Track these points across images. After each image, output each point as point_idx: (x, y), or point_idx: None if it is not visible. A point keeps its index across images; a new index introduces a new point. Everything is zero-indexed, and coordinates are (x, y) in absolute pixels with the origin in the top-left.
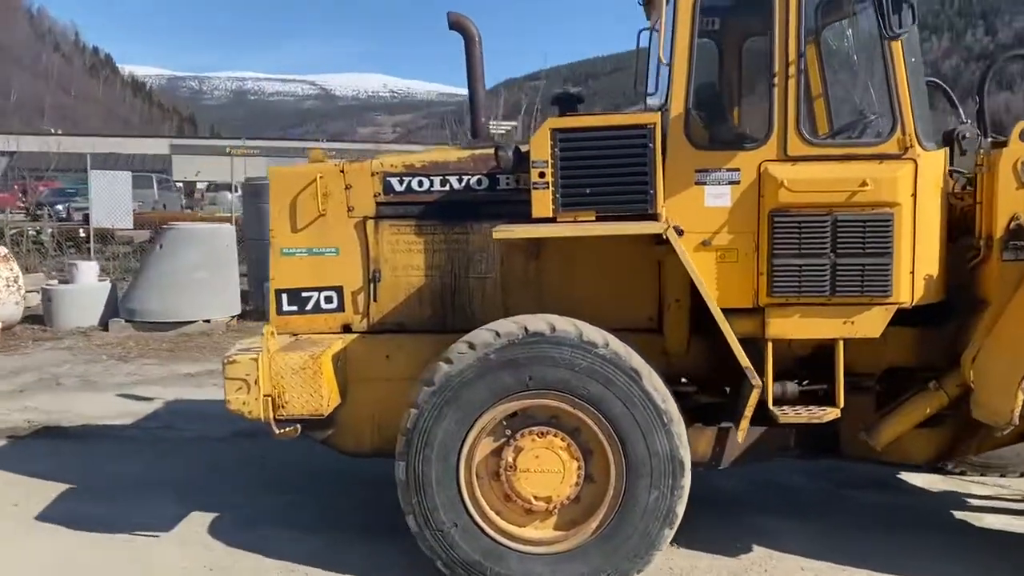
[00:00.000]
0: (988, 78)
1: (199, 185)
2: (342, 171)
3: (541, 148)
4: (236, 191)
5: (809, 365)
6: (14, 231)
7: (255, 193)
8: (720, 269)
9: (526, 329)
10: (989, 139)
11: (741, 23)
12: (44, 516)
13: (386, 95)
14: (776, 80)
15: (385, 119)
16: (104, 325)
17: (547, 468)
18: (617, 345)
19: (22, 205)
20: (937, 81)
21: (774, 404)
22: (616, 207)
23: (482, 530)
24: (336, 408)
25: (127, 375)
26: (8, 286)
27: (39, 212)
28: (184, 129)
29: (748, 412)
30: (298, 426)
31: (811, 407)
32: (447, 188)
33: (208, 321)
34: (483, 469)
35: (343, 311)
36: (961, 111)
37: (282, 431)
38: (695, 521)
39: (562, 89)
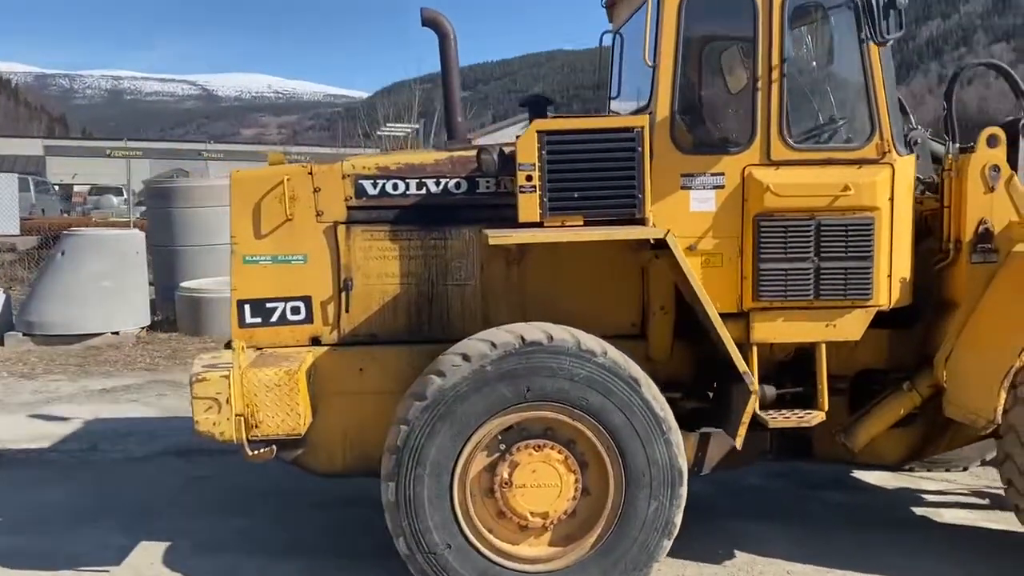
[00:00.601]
0: (955, 86)
1: (77, 188)
2: (310, 173)
3: (528, 151)
4: (123, 194)
5: (785, 369)
6: None
7: (160, 196)
8: (705, 274)
9: (523, 339)
10: (957, 145)
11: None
12: None
13: (271, 96)
14: (760, 85)
15: (270, 120)
16: None
17: (544, 482)
18: (615, 353)
19: None
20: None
21: (760, 409)
22: (604, 211)
23: (477, 550)
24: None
25: (33, 393)
26: None
27: None
28: (55, 130)
29: (746, 418)
30: (273, 447)
31: (797, 411)
32: (424, 192)
33: (116, 333)
34: (476, 486)
35: (312, 322)
36: (912, 117)
37: (255, 453)
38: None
39: (531, 93)
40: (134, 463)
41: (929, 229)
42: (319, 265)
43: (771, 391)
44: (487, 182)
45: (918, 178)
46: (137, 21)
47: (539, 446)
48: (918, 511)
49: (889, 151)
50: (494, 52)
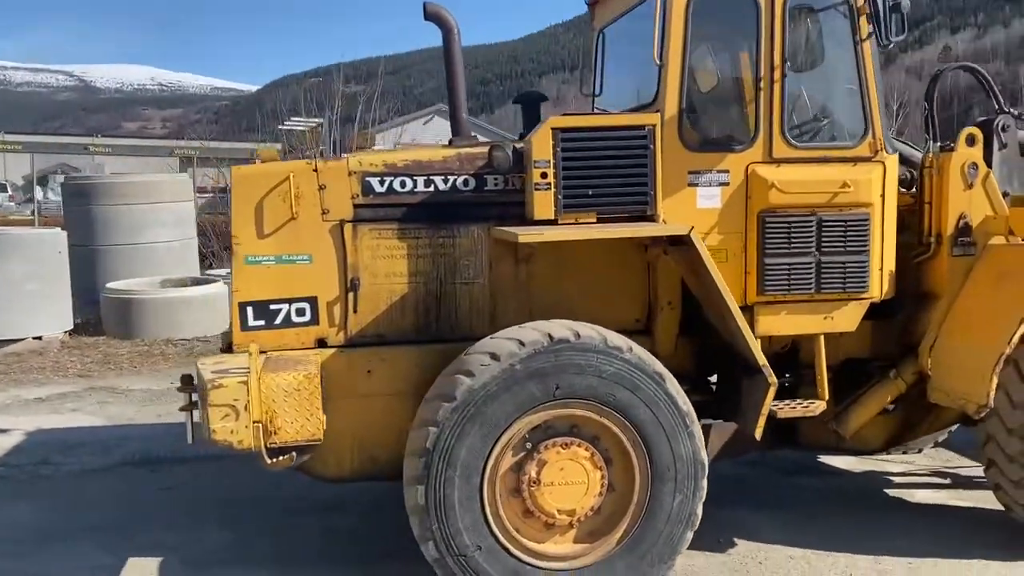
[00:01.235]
0: (935, 87)
1: None
2: (315, 170)
3: (543, 148)
4: (7, 190)
5: (778, 360)
6: None
7: (79, 193)
8: None
9: (550, 336)
10: (938, 144)
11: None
12: None
13: (154, 88)
14: (762, 85)
15: (154, 113)
16: None
17: (571, 480)
18: (639, 349)
19: None
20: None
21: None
22: (616, 208)
23: (507, 551)
24: None
25: None
26: None
27: None
28: None
29: (765, 410)
30: (294, 454)
31: (802, 401)
32: (432, 189)
33: (39, 338)
34: (503, 486)
35: (317, 324)
36: None
37: (274, 461)
38: None
39: (526, 89)
40: (93, 476)
41: (903, 224)
42: (325, 265)
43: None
44: (495, 179)
45: None
46: (7, 5)
47: (566, 444)
48: (891, 492)
49: (881, 149)
50: (389, 46)
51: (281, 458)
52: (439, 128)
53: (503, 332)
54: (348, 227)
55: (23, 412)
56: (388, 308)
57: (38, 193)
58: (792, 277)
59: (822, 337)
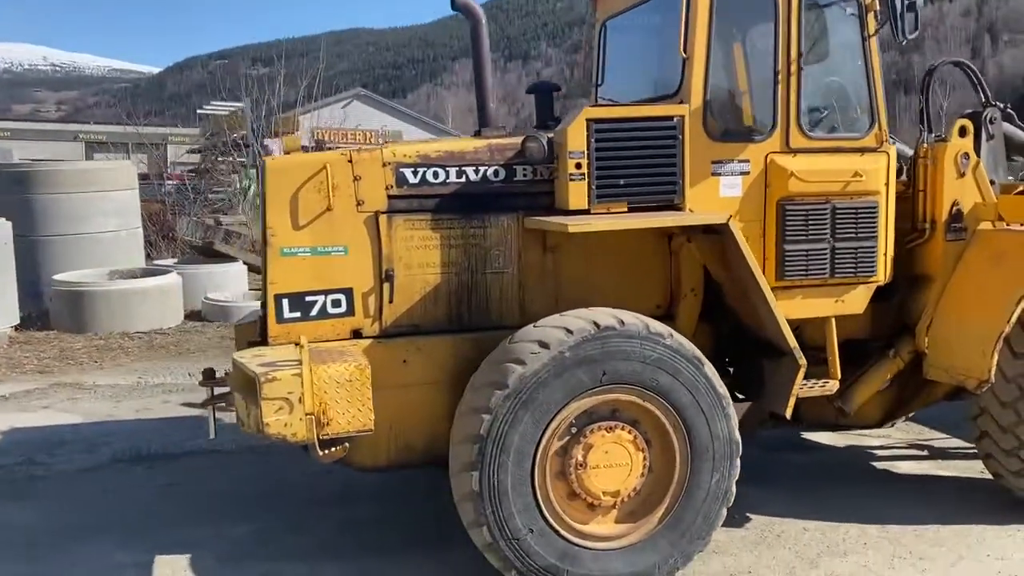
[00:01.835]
0: (930, 81)
1: None
2: (350, 161)
3: (577, 139)
4: None
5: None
6: None
7: (18, 181)
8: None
9: (596, 324)
10: (932, 135)
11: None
12: None
13: (47, 69)
14: (780, 77)
15: (47, 95)
16: None
17: (616, 462)
18: (678, 335)
19: None
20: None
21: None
22: (646, 197)
23: (557, 532)
24: None
25: None
26: None
27: None
28: None
29: (796, 389)
30: (346, 445)
31: (818, 381)
32: (463, 180)
33: None
34: (551, 470)
35: (353, 315)
36: None
37: (326, 452)
38: None
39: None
40: (88, 475)
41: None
42: (360, 256)
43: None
44: (524, 170)
45: None
46: None
47: (610, 427)
48: (877, 465)
49: (885, 140)
50: (293, 28)
51: (333, 449)
52: (360, 113)
53: (547, 321)
54: (383, 218)
55: None
56: (422, 298)
57: None
58: (810, 262)
59: (833, 319)
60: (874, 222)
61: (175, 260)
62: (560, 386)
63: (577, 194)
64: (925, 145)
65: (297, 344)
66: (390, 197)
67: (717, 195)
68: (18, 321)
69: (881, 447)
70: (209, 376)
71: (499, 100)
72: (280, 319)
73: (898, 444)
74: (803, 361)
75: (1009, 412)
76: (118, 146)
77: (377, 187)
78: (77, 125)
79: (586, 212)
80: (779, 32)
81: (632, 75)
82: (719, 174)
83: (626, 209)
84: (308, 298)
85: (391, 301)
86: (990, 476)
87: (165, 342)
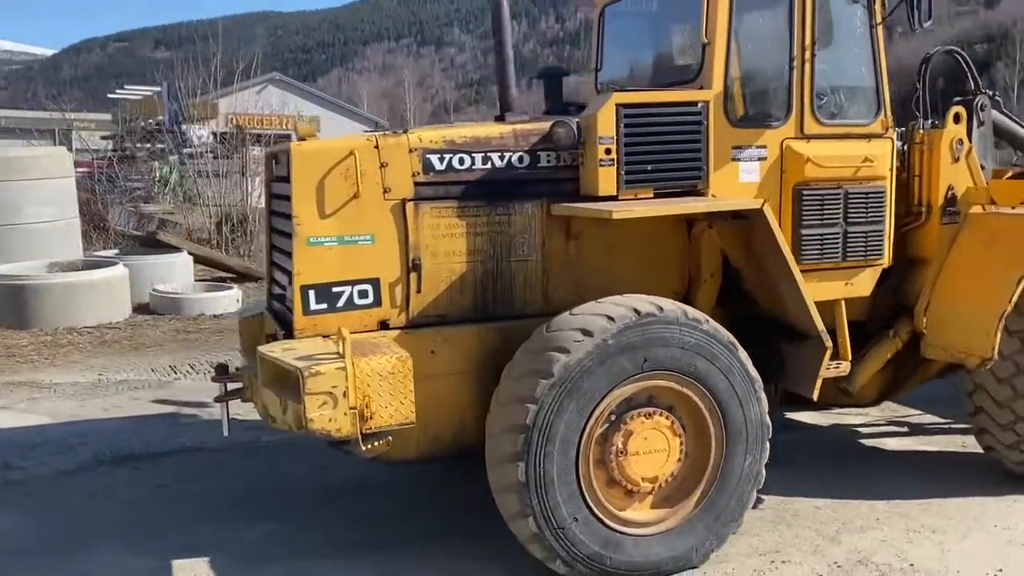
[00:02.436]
0: (927, 69)
1: None
2: (376, 147)
3: (607, 124)
4: None
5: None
6: None
7: None
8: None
9: (636, 311)
10: (929, 121)
11: None
12: None
13: None
14: (794, 63)
15: None
16: None
17: (655, 448)
18: (713, 321)
19: None
20: None
21: None
22: (672, 183)
23: (600, 520)
24: None
25: None
26: None
27: None
28: None
29: (822, 371)
30: (389, 438)
31: (832, 362)
32: (489, 166)
33: None
34: (593, 458)
35: (380, 305)
36: None
37: (369, 447)
38: None
39: (546, 64)
40: (73, 477)
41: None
42: (387, 245)
43: None
44: (548, 156)
45: None
46: None
47: (649, 414)
48: (866, 443)
49: (890, 126)
50: (197, 10)
51: (376, 443)
52: (276, 98)
53: (584, 308)
54: (410, 206)
55: None
56: (448, 288)
57: None
58: (824, 246)
59: (843, 302)
60: (882, 206)
61: (115, 251)
62: (604, 374)
63: (607, 180)
64: (921, 131)
65: (325, 337)
66: (416, 184)
67: (737, 180)
68: None
69: (863, 425)
70: (222, 371)
71: (414, 85)
72: (307, 311)
73: (878, 422)
74: (829, 343)
75: (1005, 388)
76: (18, 131)
77: (404, 174)
78: None
79: (614, 198)
80: (794, 18)
81: (628, 60)
82: (738, 159)
83: (652, 195)
84: (335, 289)
85: (419, 291)
86: (972, 450)
87: (117, 337)
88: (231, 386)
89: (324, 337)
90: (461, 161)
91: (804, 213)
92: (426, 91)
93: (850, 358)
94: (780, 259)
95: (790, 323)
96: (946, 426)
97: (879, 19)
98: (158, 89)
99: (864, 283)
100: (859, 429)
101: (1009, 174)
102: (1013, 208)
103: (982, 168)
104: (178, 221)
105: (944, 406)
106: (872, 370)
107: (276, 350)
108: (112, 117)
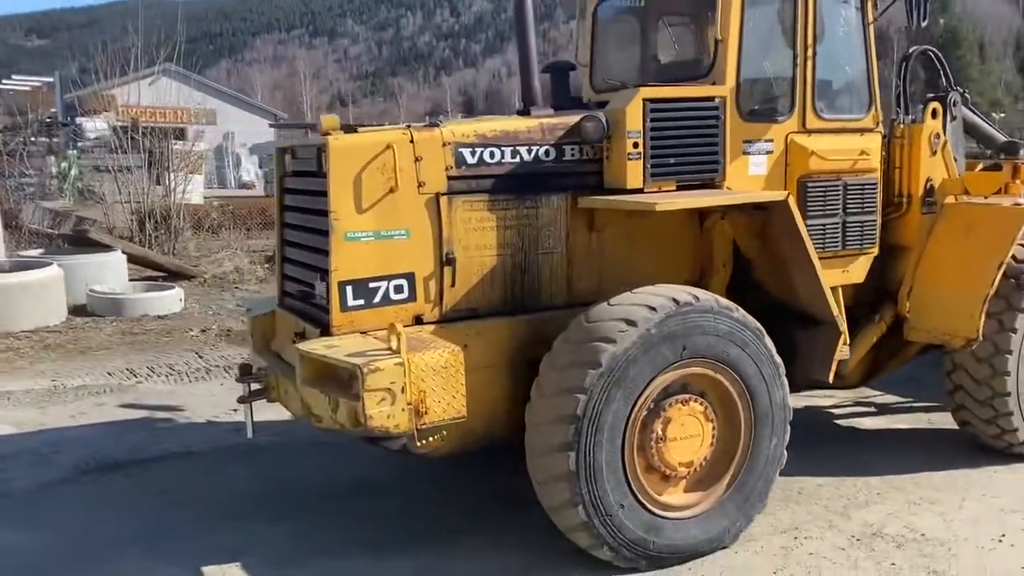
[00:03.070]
0: (907, 67)
1: None
2: (411, 141)
3: (635, 118)
4: None
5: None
6: None
7: None
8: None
9: (675, 300)
10: (910, 116)
11: None
12: None
13: None
14: (798, 59)
15: None
16: None
17: (690, 434)
18: (742, 309)
19: None
20: None
21: None
22: (692, 176)
23: (643, 505)
24: None
25: None
26: None
27: None
28: None
29: (837, 355)
30: (444, 433)
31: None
32: (518, 160)
33: None
34: (636, 445)
35: (415, 300)
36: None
37: (424, 442)
38: None
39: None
40: (59, 488)
41: None
42: (421, 239)
43: None
44: (572, 149)
45: None
46: None
47: (685, 400)
48: (842, 424)
49: (880, 121)
50: None
51: (431, 439)
52: (169, 89)
53: (622, 298)
54: (444, 200)
55: None
56: (480, 281)
57: None
58: (826, 236)
59: (840, 289)
60: (875, 197)
61: (40, 251)
62: (647, 362)
63: (635, 173)
64: (902, 126)
65: (363, 333)
66: (449, 178)
67: (747, 173)
68: None
69: (834, 407)
70: (246, 372)
71: (311, 77)
72: (344, 307)
73: (846, 403)
74: (844, 328)
75: (984, 366)
76: None
77: (438, 168)
78: None
79: (639, 191)
80: (797, 15)
81: (614, 58)
82: (748, 153)
83: (675, 188)
84: (372, 284)
85: (452, 285)
86: (939, 427)
87: (59, 340)
88: (255, 387)
89: (362, 334)
90: (492, 155)
91: (808, 204)
92: (321, 83)
93: (849, 342)
94: (800, 248)
95: (802, 310)
96: (907, 405)
97: (871, 18)
98: (50, 80)
99: (859, 270)
100: (832, 411)
101: (980, 167)
102: (985, 198)
103: (955, 160)
104: (95, 218)
105: (902, 387)
106: (860, 353)
107: (318, 347)
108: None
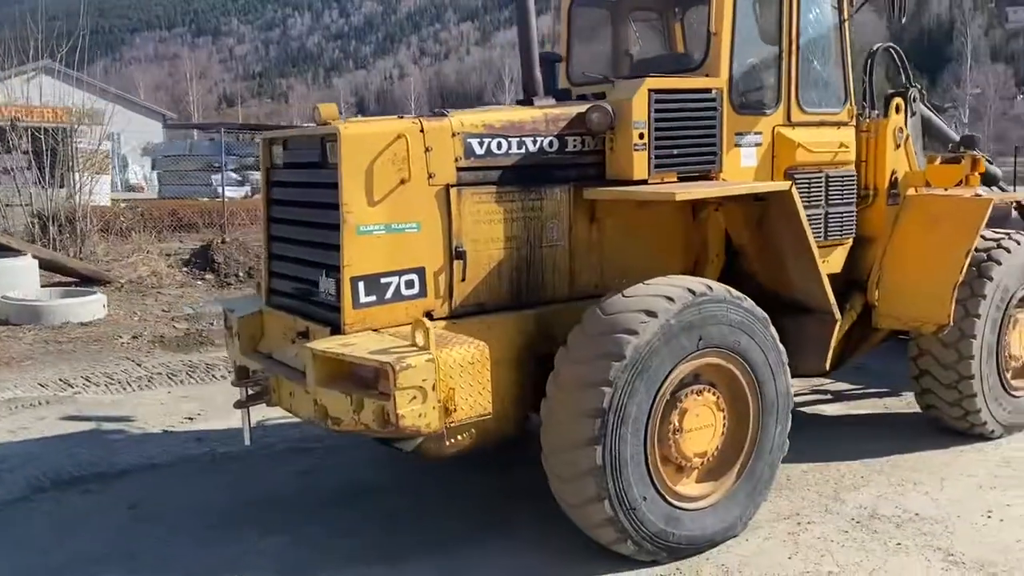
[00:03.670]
0: (872, 63)
1: None
2: (422, 131)
3: (641, 109)
4: None
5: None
6: None
7: None
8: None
9: (691, 291)
10: (876, 112)
11: None
12: None
13: None
14: (783, 53)
15: None
16: None
17: (704, 424)
18: (749, 299)
19: None
20: None
21: None
22: (692, 167)
23: (663, 498)
24: None
25: None
26: None
27: None
28: None
29: (834, 343)
30: (473, 431)
31: None
32: (523, 151)
33: None
34: (656, 437)
35: (425, 296)
36: None
37: (452, 441)
38: None
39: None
40: (17, 506)
41: None
42: (431, 233)
43: None
44: (575, 140)
45: None
46: None
47: (699, 391)
48: (807, 411)
49: (854, 115)
50: None
51: (460, 437)
52: (50, 88)
53: (637, 290)
54: (453, 192)
55: None
56: (488, 275)
57: None
58: (811, 226)
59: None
60: (854, 189)
61: None
62: (668, 353)
63: (640, 164)
64: (868, 120)
65: (376, 330)
66: (459, 169)
67: (739, 165)
68: None
69: (795, 395)
70: (243, 375)
71: (197, 77)
72: (356, 304)
73: (804, 391)
74: (839, 316)
75: (951, 351)
76: None
77: (447, 159)
78: None
79: (643, 182)
80: (783, 10)
81: (590, 54)
82: (740, 145)
83: (676, 179)
84: (383, 280)
85: (463, 279)
86: (896, 411)
87: None
88: (252, 391)
89: (374, 331)
90: (499, 146)
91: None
92: (207, 83)
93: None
94: (800, 237)
95: (794, 300)
96: (860, 391)
97: (846, 15)
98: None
99: (837, 260)
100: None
101: (938, 160)
102: (946, 190)
103: (915, 154)
104: None
105: (852, 375)
106: (835, 342)
107: (334, 346)
108: None
